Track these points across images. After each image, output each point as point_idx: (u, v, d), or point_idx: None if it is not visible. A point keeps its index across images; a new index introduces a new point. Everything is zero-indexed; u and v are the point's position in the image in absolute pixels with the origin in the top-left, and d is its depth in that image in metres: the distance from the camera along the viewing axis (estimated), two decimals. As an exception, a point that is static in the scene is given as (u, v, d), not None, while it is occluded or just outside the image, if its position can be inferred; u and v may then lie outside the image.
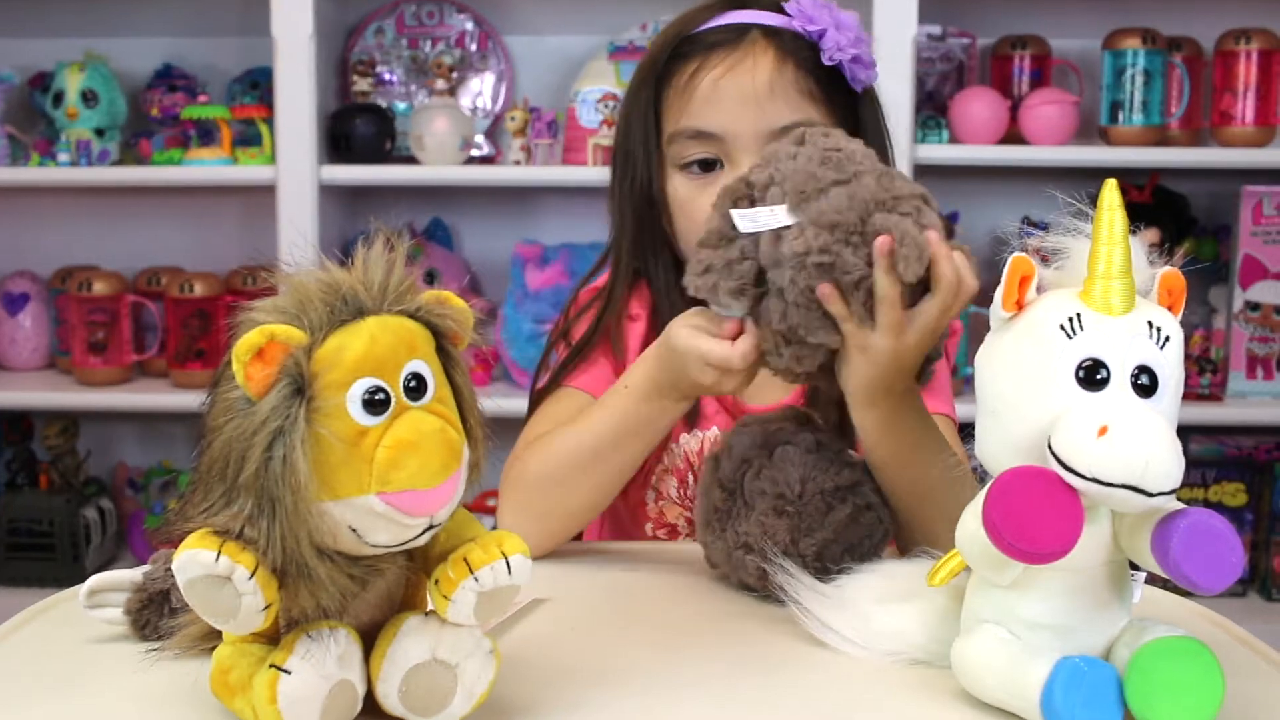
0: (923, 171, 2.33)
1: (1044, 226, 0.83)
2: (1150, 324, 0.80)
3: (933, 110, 2.44)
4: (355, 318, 0.74)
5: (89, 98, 2.46)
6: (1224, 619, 1.00)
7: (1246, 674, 0.89)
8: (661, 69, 1.26)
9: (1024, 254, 0.82)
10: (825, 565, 0.98)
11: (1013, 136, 2.40)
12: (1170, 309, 0.82)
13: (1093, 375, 0.78)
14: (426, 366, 0.75)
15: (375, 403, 0.72)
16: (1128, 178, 2.42)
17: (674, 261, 1.28)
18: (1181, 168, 2.46)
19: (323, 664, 0.74)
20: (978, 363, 0.85)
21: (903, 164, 2.27)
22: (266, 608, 0.73)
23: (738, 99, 1.21)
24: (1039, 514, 0.76)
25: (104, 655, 0.90)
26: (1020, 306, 0.82)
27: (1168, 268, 0.83)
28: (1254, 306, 2.44)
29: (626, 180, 1.29)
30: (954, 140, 2.40)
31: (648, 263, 1.30)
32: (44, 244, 2.70)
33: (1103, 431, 0.75)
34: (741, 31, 1.23)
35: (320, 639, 0.75)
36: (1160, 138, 2.39)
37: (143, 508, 2.64)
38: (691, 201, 1.24)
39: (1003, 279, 0.82)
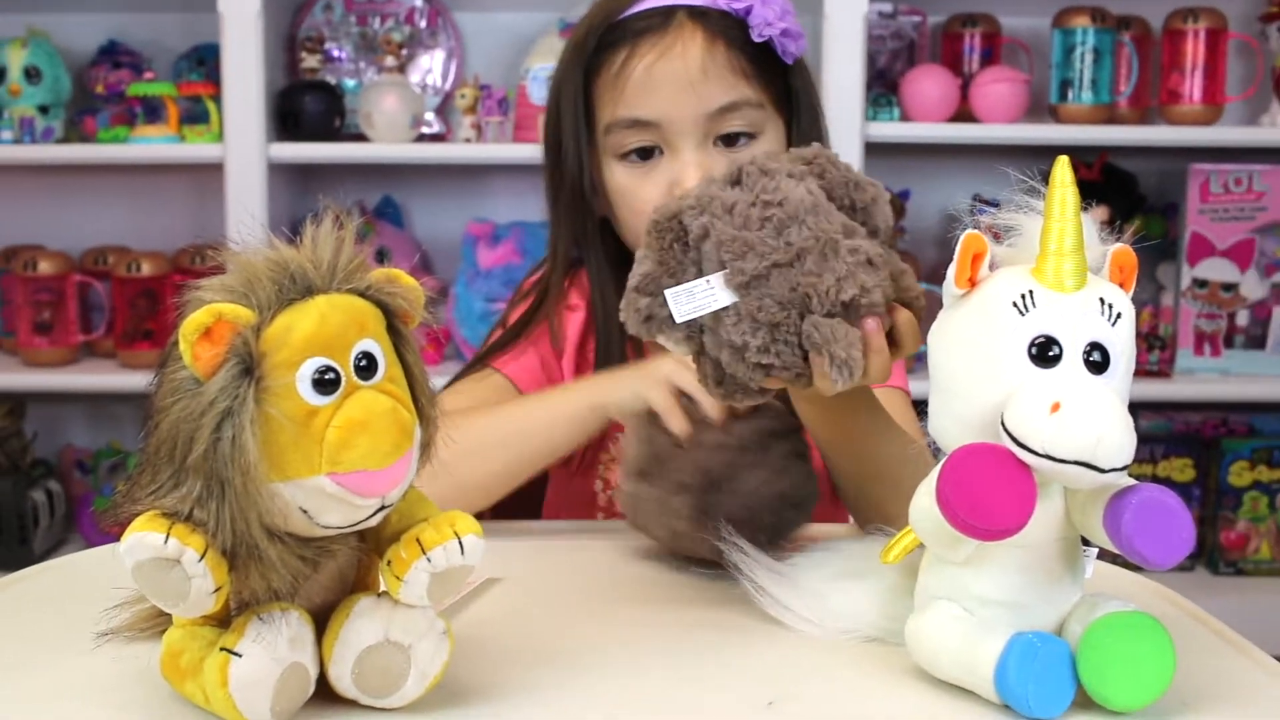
0: (874, 149, 2.33)
1: (995, 204, 0.83)
2: (1102, 301, 0.80)
3: (884, 88, 2.44)
4: (304, 296, 0.73)
5: (32, 74, 2.42)
6: (1175, 594, 1.01)
7: (1198, 648, 0.90)
8: (589, 58, 1.24)
9: (976, 231, 0.82)
10: (764, 513, 1.01)
11: (963, 114, 2.41)
12: (1122, 285, 0.83)
13: (1045, 352, 0.78)
14: (377, 345, 0.74)
15: (325, 382, 0.72)
16: (1077, 155, 2.41)
17: (612, 251, 1.28)
18: (1130, 145, 2.48)
19: (274, 647, 0.73)
20: (930, 340, 0.85)
21: (854, 141, 2.28)
22: (216, 590, 0.72)
23: (672, 84, 1.19)
24: (992, 491, 0.76)
25: (53, 639, 0.89)
26: (973, 284, 0.82)
27: (1119, 245, 0.83)
28: (1201, 283, 2.46)
29: (559, 172, 1.28)
30: (905, 118, 2.40)
31: (585, 253, 1.30)
32: (-13, 223, 2.67)
33: (1055, 408, 0.75)
34: (668, 15, 1.21)
35: (271, 621, 0.74)
36: (1109, 116, 2.40)
37: (91, 489, 2.62)
38: (633, 192, 1.23)
39: (955, 257, 0.82)
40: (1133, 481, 0.79)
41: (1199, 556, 2.54)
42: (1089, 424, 0.75)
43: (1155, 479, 2.44)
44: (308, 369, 0.71)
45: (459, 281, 2.44)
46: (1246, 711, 0.81)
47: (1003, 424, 0.77)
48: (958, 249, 0.81)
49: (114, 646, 0.86)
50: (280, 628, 0.74)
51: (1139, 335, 2.26)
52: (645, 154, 1.22)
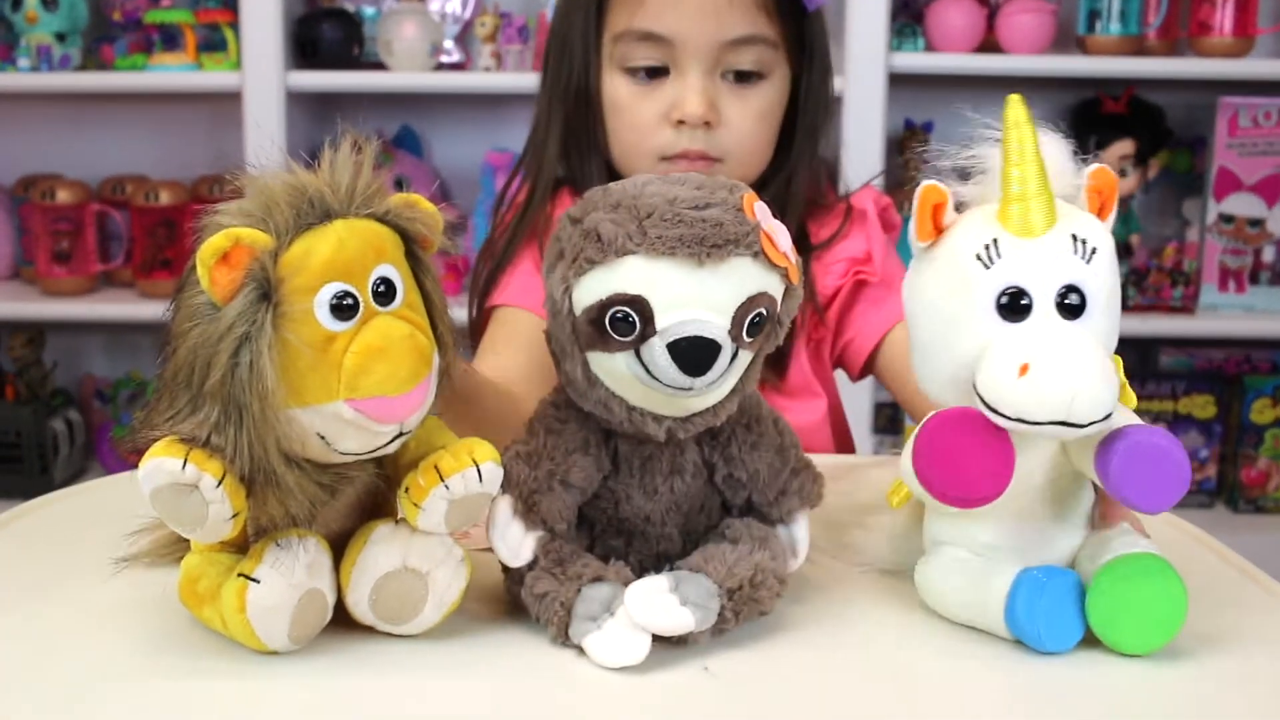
0: (897, 80, 2.30)
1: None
2: (1075, 238, 0.76)
3: (908, 18, 2.41)
4: (322, 221, 0.72)
5: (49, 1, 2.40)
6: (1197, 529, 1.01)
7: (1208, 575, 0.90)
8: None
9: (933, 182, 0.78)
10: None
11: (989, 45, 2.38)
12: (1101, 212, 0.79)
13: (1014, 304, 0.75)
14: (395, 271, 0.73)
15: (343, 308, 0.71)
16: (1104, 88, 2.41)
17: (605, 166, 1.25)
18: (1158, 78, 2.44)
19: (291, 573, 0.73)
20: (904, 295, 0.82)
21: (878, 72, 2.25)
22: (234, 516, 0.72)
23: (696, 5, 1.17)
24: (968, 460, 0.74)
25: (71, 566, 0.89)
26: (939, 232, 0.79)
27: (1095, 165, 0.79)
28: (1228, 219, 2.44)
29: (561, 75, 1.24)
30: (930, 48, 2.37)
31: (576, 167, 1.26)
32: (6, 152, 2.66)
33: (1024, 370, 0.72)
34: None
35: (289, 548, 0.74)
36: (1138, 47, 2.37)
37: (111, 419, 2.63)
38: (631, 107, 1.21)
39: (914, 209, 0.78)
40: (1126, 422, 0.76)
41: (1219, 494, 2.53)
42: (1061, 383, 0.72)
43: (1177, 415, 2.43)
44: (325, 294, 0.71)
45: (478, 211, 2.42)
46: (1265, 640, 0.81)
47: (975, 387, 0.75)
48: (916, 201, 0.78)
49: (133, 573, 0.86)
50: (298, 554, 0.74)
51: (1163, 271, 2.25)
52: (652, 73, 1.20)
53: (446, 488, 0.74)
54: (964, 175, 0.81)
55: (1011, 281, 0.75)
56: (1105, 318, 0.76)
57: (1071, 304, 0.75)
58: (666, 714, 0.73)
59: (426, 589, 0.76)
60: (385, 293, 0.73)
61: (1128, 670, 0.77)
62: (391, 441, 0.74)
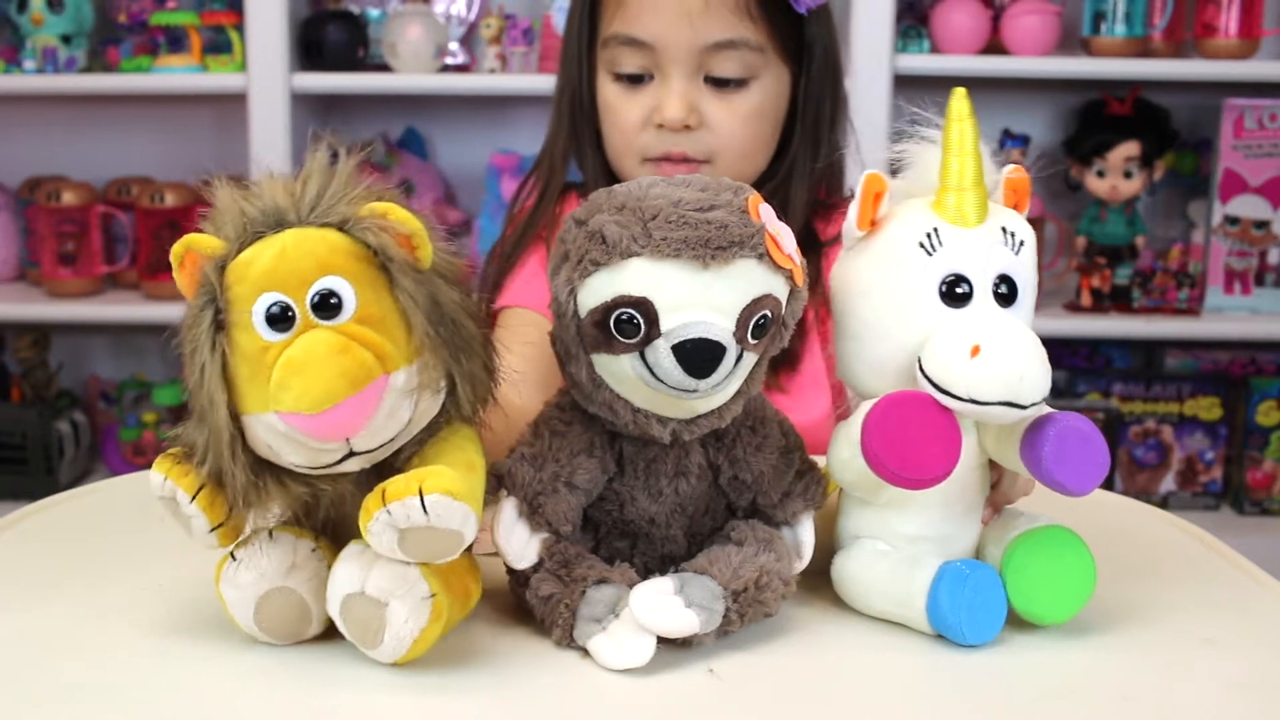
0: (903, 82, 2.30)
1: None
2: (1005, 230, 0.79)
3: (913, 20, 2.41)
4: (275, 229, 0.72)
5: (54, 3, 2.40)
6: (1202, 531, 1.00)
7: (1220, 582, 0.89)
8: None
9: (876, 172, 0.80)
10: None
11: (994, 47, 2.37)
12: (1016, 209, 0.82)
13: (955, 290, 0.78)
14: (345, 283, 0.71)
15: (279, 319, 0.71)
16: (1109, 89, 2.40)
17: (605, 168, 1.26)
18: (1164, 80, 2.43)
19: (258, 565, 0.75)
20: (834, 285, 0.84)
21: (883, 74, 2.25)
22: (215, 529, 0.73)
23: (673, 10, 1.17)
24: (920, 441, 0.75)
25: (75, 567, 0.90)
26: (874, 224, 0.81)
27: (1010, 167, 0.83)
28: (1233, 221, 2.43)
29: (565, 80, 1.27)
30: (935, 50, 2.37)
31: (581, 168, 1.28)
32: (11, 154, 2.66)
33: (975, 351, 0.75)
34: None
35: (275, 543, 0.76)
36: (1143, 49, 2.36)
37: (116, 420, 2.62)
38: (616, 109, 1.22)
39: (857, 197, 0.80)
40: (1048, 410, 0.78)
41: (1224, 495, 2.53)
42: (1010, 364, 0.75)
43: (1182, 417, 2.43)
44: (261, 304, 0.71)
45: (483, 213, 2.42)
46: (1269, 642, 0.81)
47: (922, 370, 0.77)
48: (859, 190, 0.80)
49: (135, 573, 0.87)
50: (284, 551, 0.75)
51: (1169, 273, 2.25)
52: (636, 78, 1.21)
53: (388, 513, 0.70)
54: (893, 170, 0.83)
55: (953, 269, 0.78)
56: (1029, 309, 0.80)
57: (1003, 293, 0.79)
58: (671, 716, 0.73)
59: (383, 620, 0.73)
60: (332, 305, 0.71)
61: (1132, 671, 0.77)
62: (343, 460, 0.72)
